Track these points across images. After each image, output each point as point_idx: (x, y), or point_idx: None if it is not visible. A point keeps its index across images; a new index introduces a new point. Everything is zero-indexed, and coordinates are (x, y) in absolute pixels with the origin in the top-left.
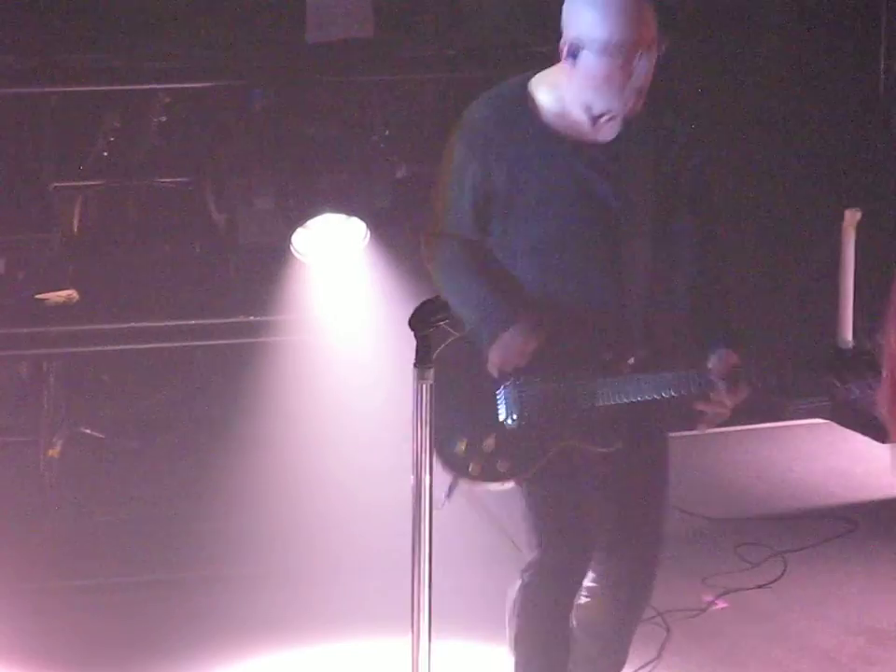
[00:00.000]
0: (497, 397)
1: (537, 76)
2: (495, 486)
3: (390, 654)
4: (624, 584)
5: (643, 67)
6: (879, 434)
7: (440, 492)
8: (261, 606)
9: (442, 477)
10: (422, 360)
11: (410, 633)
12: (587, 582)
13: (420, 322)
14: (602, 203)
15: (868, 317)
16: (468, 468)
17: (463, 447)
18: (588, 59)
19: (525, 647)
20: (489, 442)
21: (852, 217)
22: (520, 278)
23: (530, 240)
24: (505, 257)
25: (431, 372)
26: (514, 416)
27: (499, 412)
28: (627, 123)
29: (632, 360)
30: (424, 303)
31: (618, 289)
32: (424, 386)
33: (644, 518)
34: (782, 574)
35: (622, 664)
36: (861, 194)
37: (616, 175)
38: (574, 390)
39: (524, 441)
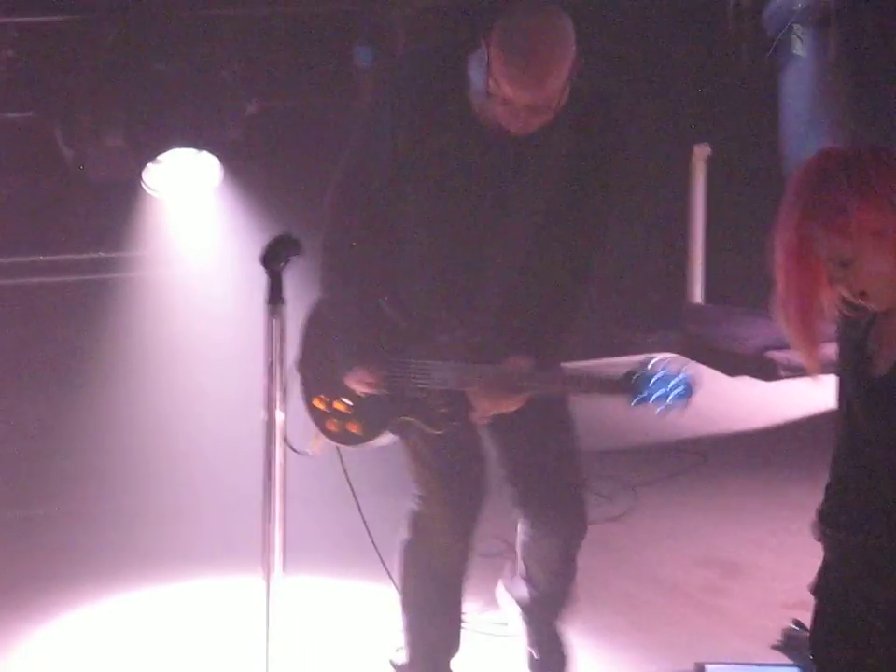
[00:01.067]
0: None
1: (478, 52)
2: (350, 446)
3: (246, 591)
4: (554, 530)
5: (542, 119)
6: (728, 367)
7: (296, 431)
8: (116, 542)
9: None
10: (273, 297)
11: (262, 569)
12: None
13: (271, 258)
14: (492, 194)
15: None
16: (325, 424)
17: (321, 404)
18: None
19: (408, 600)
20: (343, 404)
21: (702, 151)
22: (400, 243)
23: (417, 209)
24: (394, 216)
25: (283, 309)
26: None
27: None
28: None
29: (461, 349)
30: (275, 239)
31: (483, 280)
32: (275, 323)
33: (546, 467)
34: (633, 507)
35: (570, 596)
36: (709, 129)
37: (518, 170)
38: (410, 368)
39: (372, 409)
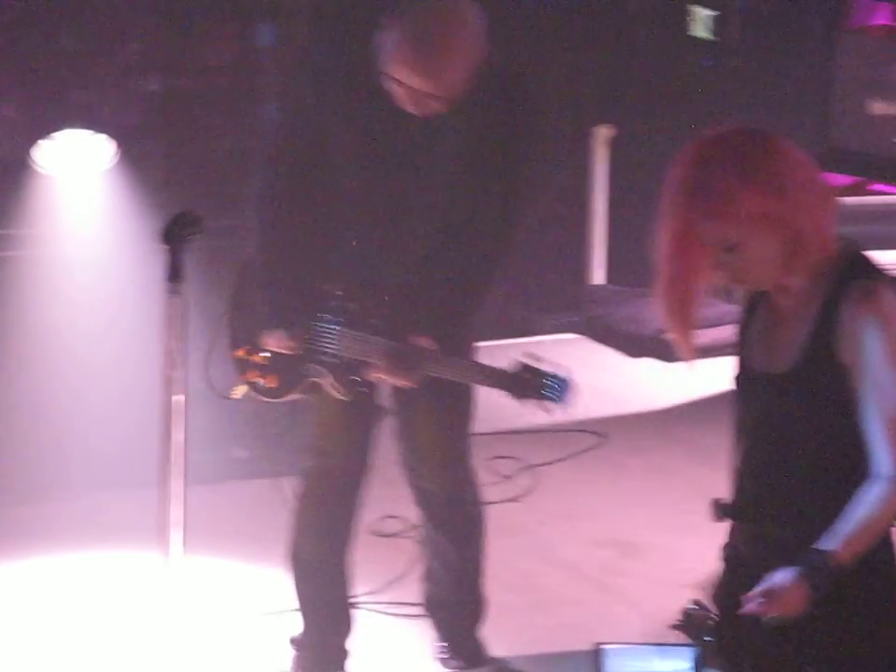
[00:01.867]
0: None
1: (383, 33)
2: (264, 398)
3: (144, 570)
4: (445, 505)
5: (442, 105)
6: (629, 349)
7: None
8: (12, 518)
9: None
10: (172, 274)
11: (160, 549)
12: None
13: (171, 236)
14: (403, 171)
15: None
16: (245, 374)
17: (243, 354)
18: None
19: (297, 563)
20: (262, 357)
21: (603, 132)
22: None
23: (336, 186)
24: (318, 186)
25: (183, 286)
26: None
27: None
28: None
29: (374, 320)
30: (175, 217)
31: (395, 256)
32: (175, 301)
33: (443, 457)
34: (533, 487)
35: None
36: (611, 110)
37: (426, 149)
38: (324, 332)
39: (287, 367)
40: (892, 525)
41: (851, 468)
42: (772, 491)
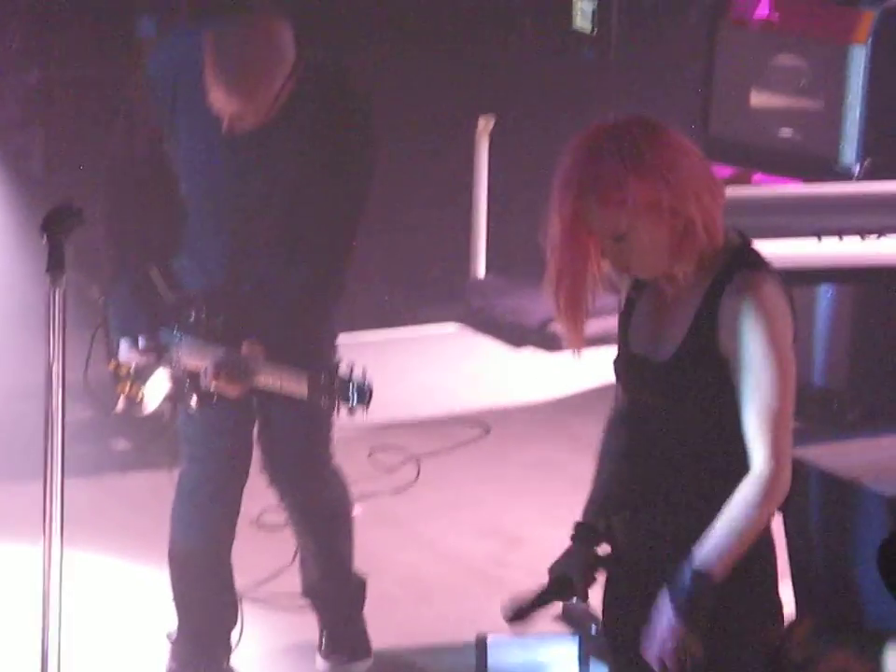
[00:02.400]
0: None
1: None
2: (138, 411)
3: (23, 563)
4: (296, 514)
5: (239, 124)
6: (512, 339)
7: None
8: None
9: None
10: (53, 266)
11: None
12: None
13: (52, 227)
14: (234, 180)
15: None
16: (117, 386)
17: (114, 367)
18: None
19: (174, 559)
20: (125, 369)
21: (485, 123)
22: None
23: (177, 193)
24: (158, 193)
25: (63, 278)
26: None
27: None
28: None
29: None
30: (56, 209)
31: (231, 265)
32: (57, 292)
33: (294, 454)
34: (416, 479)
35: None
36: (493, 101)
37: (254, 159)
38: (170, 345)
39: (146, 379)
40: (766, 524)
41: (727, 459)
42: (649, 480)
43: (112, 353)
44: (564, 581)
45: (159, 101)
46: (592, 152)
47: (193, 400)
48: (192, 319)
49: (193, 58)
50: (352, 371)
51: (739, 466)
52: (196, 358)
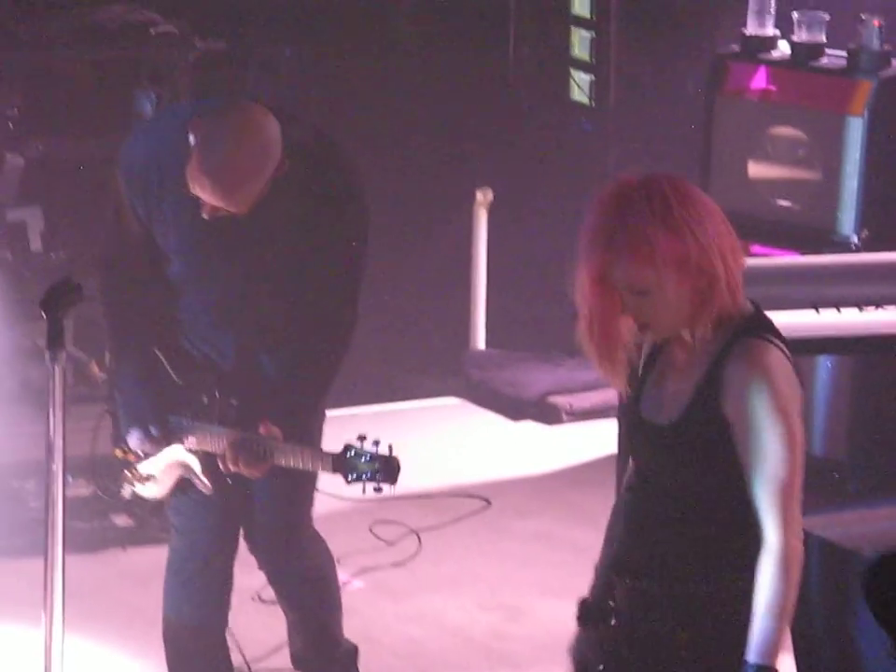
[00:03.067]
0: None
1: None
2: (146, 498)
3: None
4: (276, 583)
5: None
6: (511, 412)
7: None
8: None
9: None
10: (53, 343)
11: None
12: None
13: (51, 304)
14: (223, 262)
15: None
16: (123, 472)
17: (121, 454)
18: None
19: (169, 636)
20: (133, 457)
21: (484, 196)
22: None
23: (170, 278)
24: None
25: (63, 355)
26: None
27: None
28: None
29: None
30: (55, 285)
31: (234, 347)
32: (56, 369)
33: (271, 523)
34: (417, 552)
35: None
36: (491, 174)
37: (244, 241)
38: (180, 430)
39: (156, 464)
40: (796, 592)
41: (726, 525)
42: (650, 545)
43: (119, 439)
44: (586, 664)
45: (136, 193)
46: (621, 205)
47: (206, 484)
48: (206, 402)
49: (171, 144)
50: (377, 445)
51: (738, 532)
52: (211, 443)
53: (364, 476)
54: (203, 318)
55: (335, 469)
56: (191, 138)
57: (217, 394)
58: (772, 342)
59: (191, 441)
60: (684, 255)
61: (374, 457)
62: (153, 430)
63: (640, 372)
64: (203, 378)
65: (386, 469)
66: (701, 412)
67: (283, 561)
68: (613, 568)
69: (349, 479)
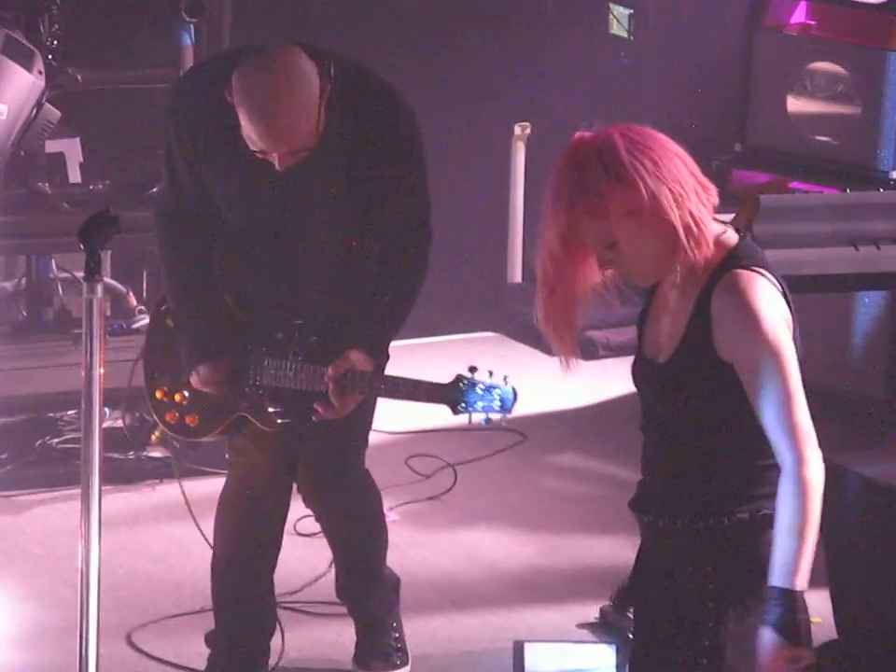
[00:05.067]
0: None
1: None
2: (183, 438)
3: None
4: (324, 519)
5: (291, 159)
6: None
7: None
8: None
9: None
10: (90, 274)
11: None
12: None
13: (89, 235)
14: (281, 216)
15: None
16: (164, 415)
17: (162, 395)
18: None
19: (215, 567)
20: (182, 395)
21: (522, 130)
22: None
23: (228, 224)
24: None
25: (100, 286)
26: None
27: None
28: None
29: (298, 349)
30: (93, 217)
31: (296, 285)
32: (93, 300)
33: (323, 459)
34: (452, 486)
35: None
36: (529, 108)
37: (305, 188)
38: (246, 365)
39: (209, 404)
40: (818, 512)
41: (738, 456)
42: (662, 481)
43: (157, 382)
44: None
45: (185, 143)
46: (576, 163)
47: (270, 424)
48: (280, 338)
49: (217, 99)
50: (492, 376)
51: (748, 462)
52: (290, 379)
53: (480, 408)
54: (270, 259)
55: (440, 400)
56: (233, 98)
57: (295, 331)
58: (754, 270)
59: (268, 377)
60: (635, 206)
61: (490, 388)
62: (220, 364)
63: (640, 315)
64: (277, 316)
65: (503, 399)
66: (693, 347)
67: (334, 499)
68: (634, 506)
69: (460, 410)
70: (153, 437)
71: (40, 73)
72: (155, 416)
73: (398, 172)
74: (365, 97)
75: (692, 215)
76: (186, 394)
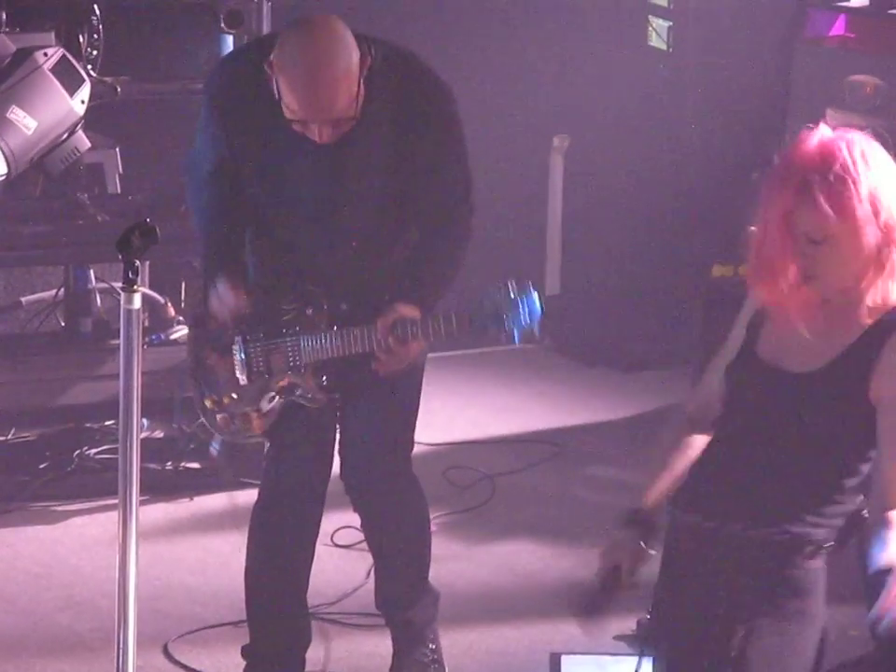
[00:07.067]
0: (234, 353)
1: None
2: (239, 430)
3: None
4: (371, 522)
5: (332, 131)
6: (587, 358)
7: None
8: None
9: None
10: (128, 285)
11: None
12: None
13: (127, 246)
14: (318, 190)
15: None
16: (217, 419)
17: (212, 404)
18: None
19: (250, 576)
20: (229, 397)
21: (561, 142)
22: (258, 233)
23: (260, 204)
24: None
25: (138, 298)
26: (245, 375)
27: (235, 370)
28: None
29: (326, 314)
30: (131, 227)
31: (329, 257)
32: (131, 312)
33: (372, 460)
34: (490, 497)
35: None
36: (568, 121)
37: (331, 168)
38: (286, 347)
39: (254, 390)
40: None
41: (825, 482)
42: (743, 488)
43: (206, 391)
44: (615, 569)
45: (221, 121)
46: (823, 152)
47: (318, 398)
48: (311, 314)
49: (256, 76)
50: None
51: (826, 493)
52: (326, 349)
53: (509, 323)
54: (307, 236)
55: (482, 323)
56: (271, 72)
57: (323, 302)
58: None
59: (306, 355)
60: (875, 211)
61: (516, 302)
62: (240, 289)
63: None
64: (304, 291)
65: (531, 309)
66: (847, 371)
67: (384, 499)
68: (698, 512)
69: (490, 329)
70: (213, 445)
71: (83, 102)
72: (208, 425)
73: (438, 146)
74: (406, 74)
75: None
76: (233, 395)
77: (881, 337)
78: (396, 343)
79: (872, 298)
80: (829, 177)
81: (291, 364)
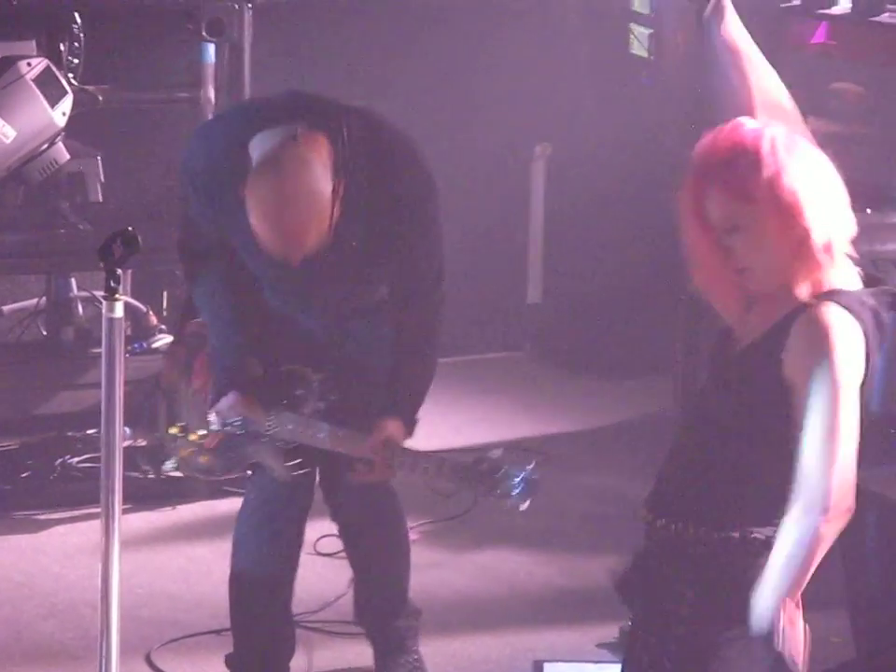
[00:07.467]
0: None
1: (257, 137)
2: (194, 474)
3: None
4: (349, 532)
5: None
6: (569, 366)
7: None
8: None
9: None
10: (110, 293)
11: None
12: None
13: (108, 254)
14: (302, 278)
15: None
16: (178, 450)
17: (178, 431)
18: None
19: (234, 585)
20: (197, 436)
21: (542, 150)
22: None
23: (250, 277)
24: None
25: (119, 306)
26: (218, 423)
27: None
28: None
29: (318, 405)
30: (113, 235)
31: (314, 342)
32: (112, 320)
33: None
34: (473, 506)
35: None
36: (549, 128)
37: (321, 261)
38: (281, 419)
39: (226, 448)
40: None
41: (771, 476)
42: (686, 485)
43: (174, 418)
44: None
45: (201, 201)
46: (733, 140)
47: (286, 475)
48: (300, 394)
49: (231, 161)
50: (514, 458)
51: (775, 486)
52: (314, 439)
53: (493, 490)
54: (287, 307)
55: (470, 481)
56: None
57: (315, 387)
58: (839, 308)
59: (285, 432)
60: (786, 198)
61: (510, 473)
62: (249, 393)
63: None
64: (295, 371)
65: (527, 484)
66: (760, 364)
67: (363, 510)
68: (649, 506)
69: (479, 492)
70: (165, 467)
71: (64, 115)
72: (168, 448)
73: (412, 235)
74: (379, 159)
75: (831, 233)
76: (202, 433)
77: (796, 318)
78: (381, 464)
79: (803, 291)
80: (733, 163)
81: (269, 432)
